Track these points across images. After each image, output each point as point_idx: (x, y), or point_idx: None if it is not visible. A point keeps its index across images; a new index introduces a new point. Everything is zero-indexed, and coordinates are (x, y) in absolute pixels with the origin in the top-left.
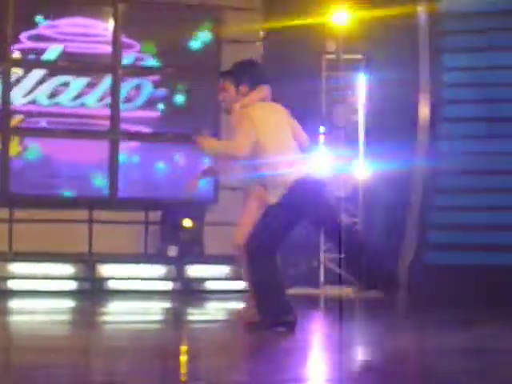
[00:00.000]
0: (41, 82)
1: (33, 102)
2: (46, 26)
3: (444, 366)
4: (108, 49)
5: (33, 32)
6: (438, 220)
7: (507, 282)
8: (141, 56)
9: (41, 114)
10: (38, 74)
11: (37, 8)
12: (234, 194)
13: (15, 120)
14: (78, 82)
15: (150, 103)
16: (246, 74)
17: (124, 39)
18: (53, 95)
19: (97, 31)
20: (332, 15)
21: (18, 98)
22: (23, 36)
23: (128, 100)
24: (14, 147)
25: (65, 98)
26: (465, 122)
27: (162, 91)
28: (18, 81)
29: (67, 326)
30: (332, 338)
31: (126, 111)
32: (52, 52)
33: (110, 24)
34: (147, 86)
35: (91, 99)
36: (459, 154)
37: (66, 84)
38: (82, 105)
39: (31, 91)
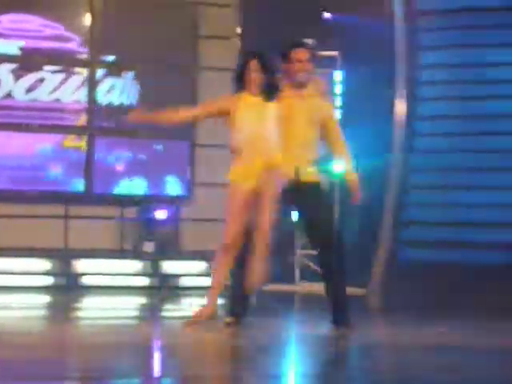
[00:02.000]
0: None
1: None
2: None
3: (416, 362)
4: (83, 44)
5: None
6: (413, 217)
7: (481, 278)
8: (117, 51)
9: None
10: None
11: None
12: (210, 190)
13: None
14: (53, 78)
15: (126, 99)
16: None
17: (99, 35)
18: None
19: (71, 28)
20: (308, 11)
21: None
22: None
23: (104, 95)
24: None
25: (42, 92)
26: (440, 120)
27: (138, 87)
28: None
29: (42, 322)
30: (306, 335)
31: (102, 106)
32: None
33: (87, 20)
34: (123, 82)
35: (66, 93)
36: (434, 150)
37: (40, 80)
38: (57, 100)
39: None
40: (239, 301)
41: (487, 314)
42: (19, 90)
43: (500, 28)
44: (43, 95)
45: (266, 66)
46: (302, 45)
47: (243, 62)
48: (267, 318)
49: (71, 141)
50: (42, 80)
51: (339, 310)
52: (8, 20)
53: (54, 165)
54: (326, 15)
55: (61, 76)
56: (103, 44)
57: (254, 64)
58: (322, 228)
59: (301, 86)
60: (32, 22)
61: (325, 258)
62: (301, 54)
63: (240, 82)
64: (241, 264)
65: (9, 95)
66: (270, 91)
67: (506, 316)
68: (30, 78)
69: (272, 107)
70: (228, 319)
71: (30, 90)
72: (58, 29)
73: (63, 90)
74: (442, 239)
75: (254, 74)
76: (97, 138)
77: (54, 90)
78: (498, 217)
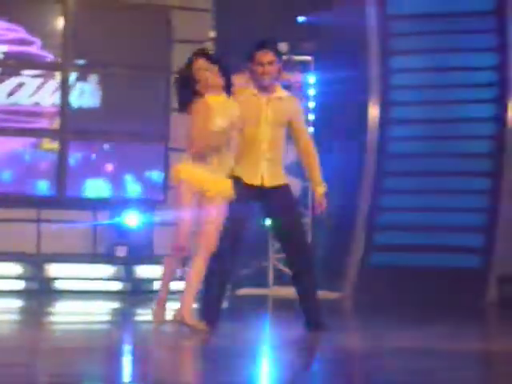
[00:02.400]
0: None
1: None
2: None
3: (389, 366)
4: (57, 47)
5: None
6: (386, 221)
7: (452, 282)
8: (90, 55)
9: None
10: None
11: None
12: None
13: None
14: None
15: (99, 102)
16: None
17: (72, 38)
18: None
19: (45, 31)
20: (283, 17)
21: None
22: None
23: (77, 99)
24: None
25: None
26: (412, 124)
27: (112, 91)
28: None
29: (14, 326)
30: (279, 339)
31: (74, 110)
32: None
33: (59, 23)
34: (96, 86)
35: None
36: (407, 155)
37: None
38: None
39: None
40: (212, 306)
41: (460, 317)
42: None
43: (471, 33)
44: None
45: (278, 55)
46: (265, 46)
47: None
48: (240, 322)
49: (48, 143)
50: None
51: (311, 311)
52: None
53: (26, 168)
54: (300, 19)
55: (35, 80)
56: (75, 47)
57: (264, 56)
58: (288, 231)
59: (264, 89)
60: None
61: (293, 259)
62: (263, 56)
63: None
64: (214, 269)
65: None
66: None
67: (479, 319)
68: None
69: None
70: (200, 325)
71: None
72: (19, 32)
73: (38, 93)
74: (415, 243)
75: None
76: (69, 142)
77: (32, 94)
78: (470, 221)
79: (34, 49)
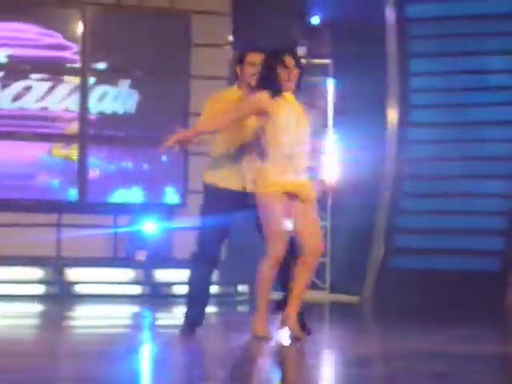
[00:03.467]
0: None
1: None
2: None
3: (410, 370)
4: (76, 52)
5: None
6: (405, 224)
7: (473, 285)
8: (110, 59)
9: None
10: None
11: None
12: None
13: None
14: (40, 86)
15: (119, 107)
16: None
17: (91, 43)
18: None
19: (64, 35)
20: (301, 19)
21: None
22: None
23: (97, 104)
24: None
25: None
26: (432, 127)
27: (131, 95)
28: None
29: (35, 331)
30: (299, 343)
31: (94, 115)
32: None
33: (79, 28)
34: (116, 91)
35: (55, 101)
36: (427, 158)
37: (27, 88)
38: (44, 108)
39: None
40: (198, 309)
41: (477, 321)
42: (6, 98)
43: (492, 35)
44: (30, 103)
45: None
46: (261, 50)
47: (272, 58)
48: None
49: (59, 149)
50: (28, 88)
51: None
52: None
53: (47, 173)
54: (315, 20)
55: (48, 84)
56: (95, 52)
57: (288, 61)
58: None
59: (252, 91)
60: (28, 31)
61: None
62: (255, 57)
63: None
64: (204, 271)
65: None
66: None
67: (495, 322)
68: (16, 87)
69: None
70: (184, 327)
71: (16, 98)
72: (54, 37)
73: (52, 98)
74: (434, 246)
75: (290, 73)
76: (89, 147)
77: (42, 98)
78: (489, 224)
79: (69, 54)
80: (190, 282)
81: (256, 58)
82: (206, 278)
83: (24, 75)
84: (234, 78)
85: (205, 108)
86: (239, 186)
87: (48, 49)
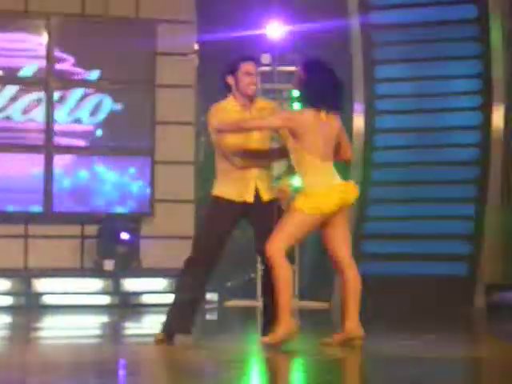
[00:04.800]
0: None
1: None
2: None
3: (380, 375)
4: (42, 62)
5: None
6: (373, 230)
7: (441, 290)
8: (75, 69)
9: None
10: None
11: None
12: (169, 206)
13: None
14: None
15: (84, 116)
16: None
17: (57, 53)
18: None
19: (29, 45)
20: (267, 27)
21: None
22: None
23: (63, 113)
24: None
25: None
26: (398, 133)
27: (96, 104)
28: None
29: (2, 342)
30: (268, 349)
31: (60, 124)
32: None
33: (44, 38)
34: (82, 99)
35: (17, 112)
36: (392, 164)
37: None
38: (8, 118)
39: None
40: (185, 316)
41: (448, 325)
42: None
43: (454, 41)
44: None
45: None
46: (251, 58)
47: (312, 68)
48: (229, 333)
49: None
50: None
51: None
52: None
53: (14, 184)
54: (283, 31)
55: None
56: (61, 62)
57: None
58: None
59: (251, 99)
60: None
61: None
62: (250, 67)
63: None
64: (198, 277)
65: None
66: None
67: (465, 327)
68: None
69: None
70: (160, 335)
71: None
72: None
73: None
74: (402, 252)
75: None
76: (55, 156)
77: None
78: (456, 229)
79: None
80: (180, 289)
81: (251, 68)
82: (199, 284)
83: None
84: (227, 89)
85: (210, 121)
86: (240, 198)
87: (14, 58)
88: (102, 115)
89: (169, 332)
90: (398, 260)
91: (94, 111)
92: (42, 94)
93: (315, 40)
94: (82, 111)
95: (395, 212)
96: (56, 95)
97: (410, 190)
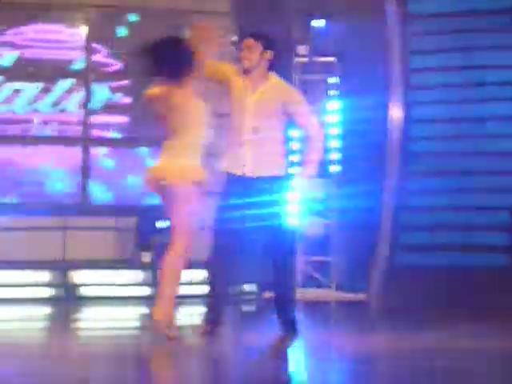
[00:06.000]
0: None
1: None
2: (14, 33)
3: (415, 367)
4: (76, 54)
5: None
6: (411, 221)
7: (479, 281)
8: (109, 61)
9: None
10: None
11: (4, 14)
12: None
13: None
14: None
15: (119, 108)
16: (276, 47)
17: (93, 44)
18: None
19: (65, 37)
20: (304, 18)
21: None
22: None
23: (99, 105)
24: None
25: (44, 105)
26: (435, 123)
27: (131, 96)
28: None
29: (41, 333)
30: (305, 340)
31: (95, 116)
32: (8, 58)
33: (80, 29)
34: (114, 91)
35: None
36: (430, 154)
37: (46, 90)
38: (61, 111)
39: None
40: (219, 309)
41: (485, 317)
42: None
43: (491, 31)
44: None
45: (262, 42)
46: (249, 34)
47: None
48: (266, 324)
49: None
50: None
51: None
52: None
53: (50, 176)
54: (319, 22)
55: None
56: (96, 53)
57: (246, 43)
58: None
59: (250, 76)
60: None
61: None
62: (246, 41)
63: None
64: (224, 270)
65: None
66: None
67: (504, 318)
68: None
69: None
70: (204, 328)
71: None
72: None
73: (68, 100)
74: (440, 243)
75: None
76: (93, 148)
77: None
78: (495, 219)
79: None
80: (210, 281)
81: (246, 43)
82: (224, 276)
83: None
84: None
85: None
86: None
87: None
88: (136, 107)
89: (209, 323)
90: (436, 251)
91: (128, 103)
92: (79, 86)
93: (352, 29)
94: (116, 103)
95: (434, 202)
96: (93, 87)
97: (449, 179)
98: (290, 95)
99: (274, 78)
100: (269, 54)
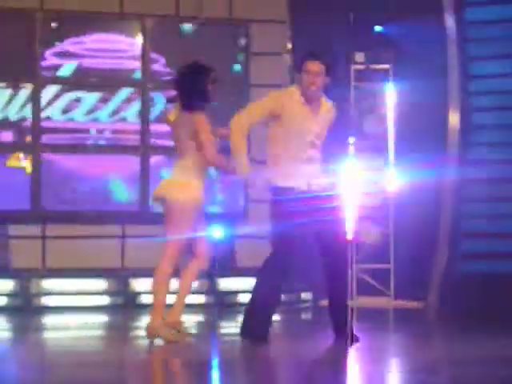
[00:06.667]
0: (55, 97)
1: (48, 118)
2: (72, 43)
3: (476, 376)
4: (134, 63)
5: (57, 49)
6: (470, 229)
7: None
8: (167, 70)
9: (56, 130)
10: (52, 90)
11: (63, 25)
12: (264, 206)
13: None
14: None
15: None
16: (333, 73)
17: (151, 54)
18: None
19: (124, 47)
20: (359, 25)
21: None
22: (48, 53)
23: (157, 114)
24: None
25: (103, 114)
26: (494, 130)
27: None
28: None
29: (101, 341)
30: (365, 349)
31: (153, 125)
32: (67, 68)
33: (138, 39)
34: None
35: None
36: (489, 161)
37: (104, 99)
38: (122, 120)
39: (46, 107)
40: (265, 319)
41: None
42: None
43: None
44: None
45: (327, 66)
46: (316, 56)
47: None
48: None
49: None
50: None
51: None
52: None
53: (109, 185)
54: (378, 28)
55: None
56: (154, 62)
57: (316, 67)
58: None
59: (310, 99)
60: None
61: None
62: (311, 65)
63: None
64: (272, 280)
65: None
66: None
67: None
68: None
69: None
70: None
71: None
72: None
73: (128, 110)
74: (500, 251)
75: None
76: (152, 156)
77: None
78: None
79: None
80: (257, 291)
81: (312, 67)
82: (276, 287)
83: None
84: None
85: (264, 102)
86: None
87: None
88: None
89: (248, 334)
90: (494, 258)
91: None
92: (136, 96)
93: (409, 38)
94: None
95: (492, 210)
96: (151, 96)
97: (508, 187)
98: (333, 114)
99: (325, 100)
100: (328, 80)
